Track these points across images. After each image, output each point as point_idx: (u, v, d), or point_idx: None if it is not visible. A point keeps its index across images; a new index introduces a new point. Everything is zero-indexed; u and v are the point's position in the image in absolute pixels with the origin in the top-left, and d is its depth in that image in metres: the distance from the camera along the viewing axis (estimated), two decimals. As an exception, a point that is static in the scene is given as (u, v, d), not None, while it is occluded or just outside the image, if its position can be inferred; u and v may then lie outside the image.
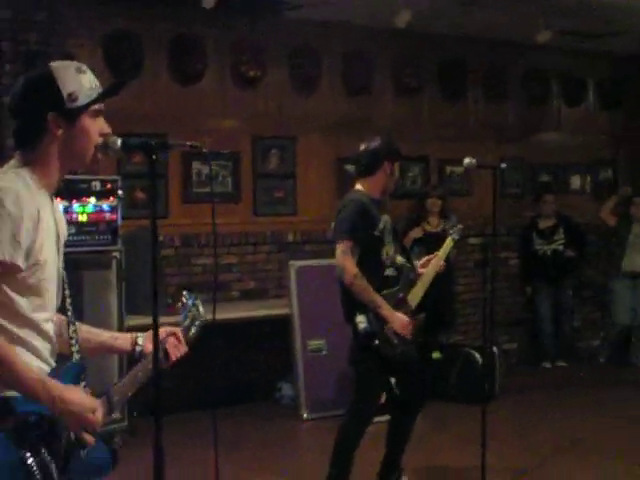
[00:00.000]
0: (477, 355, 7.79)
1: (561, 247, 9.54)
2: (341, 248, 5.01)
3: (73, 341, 2.74)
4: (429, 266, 5.36)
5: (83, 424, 2.52)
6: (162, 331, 2.86)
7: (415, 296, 5.27)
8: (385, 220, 5.19)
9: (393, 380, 5.39)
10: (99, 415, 2.56)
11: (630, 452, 6.42)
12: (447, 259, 5.57)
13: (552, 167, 10.41)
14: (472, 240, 9.28)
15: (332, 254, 8.36)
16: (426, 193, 8.70)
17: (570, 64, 10.37)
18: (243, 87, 8.28)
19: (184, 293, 3.23)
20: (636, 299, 9.64)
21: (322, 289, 7.52)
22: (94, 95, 2.59)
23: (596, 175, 10.81)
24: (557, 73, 10.32)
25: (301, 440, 7.32)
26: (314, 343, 7.55)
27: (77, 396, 2.51)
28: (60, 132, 2.55)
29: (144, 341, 2.92)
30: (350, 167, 7.97)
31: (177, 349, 2.96)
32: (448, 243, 5.48)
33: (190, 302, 3.18)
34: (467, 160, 5.10)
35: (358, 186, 5.28)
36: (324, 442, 6.75)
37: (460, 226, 5.64)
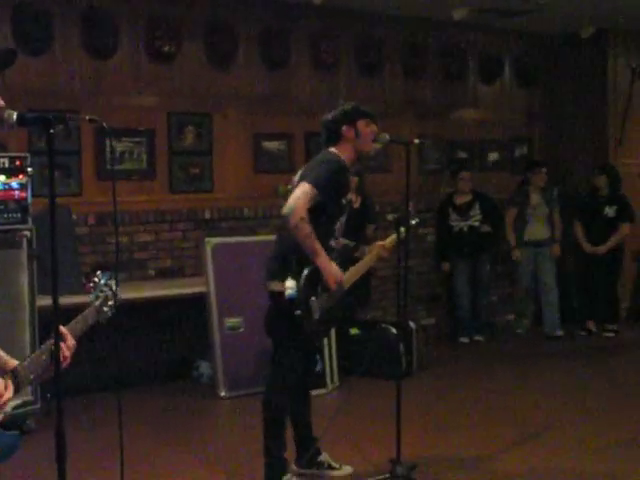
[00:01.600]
0: (394, 330, 7.82)
1: (477, 223, 9.66)
2: (302, 189, 4.80)
3: None
4: (372, 252, 5.34)
5: None
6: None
7: (351, 276, 5.22)
8: (351, 192, 5.10)
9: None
10: (8, 394, 2.48)
11: (546, 424, 6.53)
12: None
13: (469, 144, 10.50)
14: (389, 216, 9.30)
15: (250, 232, 8.45)
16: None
17: (486, 41, 10.46)
18: (158, 62, 8.15)
19: (97, 273, 3.15)
20: (537, 265, 9.94)
21: (239, 266, 7.50)
22: None
23: (512, 151, 10.94)
24: (474, 50, 10.39)
25: (219, 418, 7.28)
26: (231, 321, 7.51)
27: None
28: None
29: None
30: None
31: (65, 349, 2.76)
32: (395, 236, 5.35)
33: (102, 282, 3.10)
34: (380, 136, 5.10)
35: (335, 150, 5.08)
36: (243, 420, 6.80)
37: (416, 220, 5.50)
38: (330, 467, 5.44)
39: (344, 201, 5.05)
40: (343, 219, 5.13)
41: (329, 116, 5.15)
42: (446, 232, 9.77)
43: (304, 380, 5.36)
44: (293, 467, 5.37)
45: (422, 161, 9.97)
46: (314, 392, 5.43)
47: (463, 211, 9.70)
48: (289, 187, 5.14)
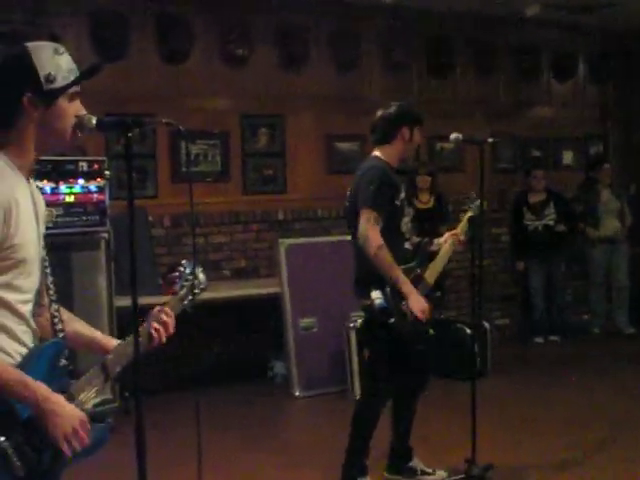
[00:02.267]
0: (468, 330, 7.77)
1: (552, 222, 9.55)
2: (365, 216, 4.81)
3: (56, 320, 2.70)
4: (447, 243, 5.30)
5: (69, 434, 2.47)
6: (156, 310, 2.84)
7: (433, 272, 5.17)
8: (403, 190, 5.08)
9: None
10: (85, 430, 2.52)
11: (623, 425, 6.44)
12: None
13: (543, 142, 10.39)
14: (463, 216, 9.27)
15: (323, 232, 8.48)
16: (415, 170, 8.68)
17: (560, 38, 10.33)
18: (231, 66, 8.24)
19: (182, 262, 3.16)
20: (611, 262, 9.83)
21: (312, 267, 7.54)
22: (72, 77, 2.55)
23: (587, 149, 10.80)
24: (547, 47, 10.28)
25: (293, 418, 7.33)
26: (305, 321, 7.56)
27: (66, 409, 2.48)
28: (36, 114, 2.51)
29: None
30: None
31: (163, 329, 2.85)
32: (465, 219, 5.37)
33: (188, 271, 3.11)
34: (453, 135, 5.08)
35: (376, 152, 5.10)
36: (317, 419, 6.83)
37: (477, 202, 5.45)
38: (423, 473, 5.35)
39: (398, 202, 5.00)
40: (407, 219, 5.11)
41: (388, 113, 5.11)
42: (520, 231, 9.68)
43: (412, 387, 5.31)
44: (385, 474, 5.34)
45: (495, 160, 9.90)
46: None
47: (537, 210, 9.60)
48: (346, 203, 5.14)
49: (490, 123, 9.71)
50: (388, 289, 4.85)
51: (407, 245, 5.10)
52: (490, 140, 5.39)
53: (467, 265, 5.48)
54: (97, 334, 2.86)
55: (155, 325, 2.82)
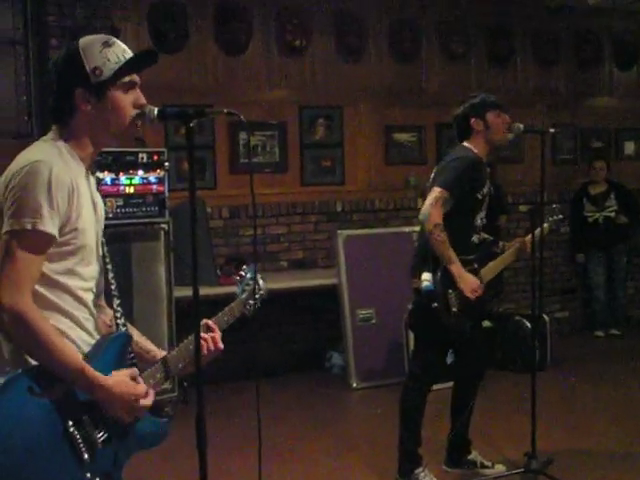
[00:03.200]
0: (527, 323, 7.71)
1: (613, 214, 9.41)
2: (434, 194, 4.81)
3: (118, 314, 2.73)
4: (512, 248, 5.24)
5: (131, 412, 2.53)
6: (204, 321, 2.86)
7: (490, 271, 5.11)
8: (488, 185, 5.04)
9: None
10: (149, 400, 2.56)
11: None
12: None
13: (604, 132, 10.24)
14: (522, 207, 9.20)
15: (381, 223, 8.46)
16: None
17: (622, 26, 10.17)
18: (289, 57, 8.25)
19: (243, 267, 3.21)
20: None
21: (370, 258, 7.53)
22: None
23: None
24: (608, 36, 10.12)
25: (351, 409, 7.33)
26: (363, 312, 7.55)
27: (123, 386, 2.51)
28: (89, 107, 2.55)
29: None
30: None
31: (211, 343, 2.89)
32: (539, 232, 5.24)
33: (249, 275, 3.16)
34: (514, 125, 5.02)
35: (468, 144, 5.05)
36: (374, 410, 6.82)
37: (558, 217, 5.42)
38: (483, 466, 5.30)
39: (480, 196, 4.97)
40: (483, 214, 5.06)
41: (458, 111, 5.11)
42: (581, 223, 9.55)
43: (469, 377, 5.27)
44: (443, 467, 5.31)
45: (555, 151, 9.79)
46: (437, 386, 5.36)
47: (598, 201, 9.47)
48: (427, 184, 5.11)
49: (550, 113, 9.60)
50: (439, 274, 4.83)
51: (475, 239, 5.06)
52: (552, 130, 5.32)
53: (526, 257, 5.41)
54: (150, 346, 2.87)
55: (204, 335, 2.84)
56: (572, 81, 9.94)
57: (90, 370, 2.44)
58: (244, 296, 3.11)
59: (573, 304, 10.01)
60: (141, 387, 2.56)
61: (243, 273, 3.16)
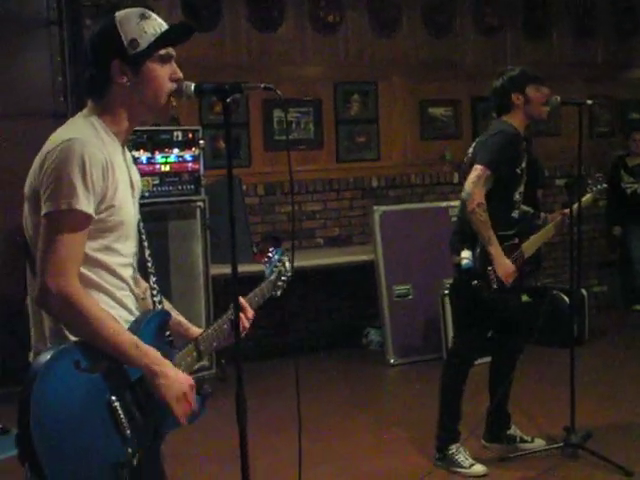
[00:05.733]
0: (565, 298, 7.66)
1: (652, 185, 9.31)
2: (476, 173, 4.79)
3: (154, 292, 2.74)
4: (554, 221, 5.20)
5: (180, 397, 2.52)
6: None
7: (532, 245, 5.08)
8: (526, 159, 5.01)
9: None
10: (192, 396, 2.56)
11: None
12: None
13: (643, 104, 10.11)
14: (558, 181, 9.12)
15: (417, 199, 8.44)
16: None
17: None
18: (322, 33, 8.21)
19: (270, 249, 3.23)
20: None
21: (407, 234, 7.51)
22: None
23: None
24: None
25: (389, 385, 7.34)
26: (400, 288, 7.53)
27: (177, 373, 2.52)
28: (125, 80, 2.53)
29: None
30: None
31: (245, 321, 2.88)
32: (587, 199, 5.25)
33: (276, 257, 3.19)
34: (551, 98, 4.96)
35: (507, 118, 5.01)
36: (412, 387, 6.83)
37: (603, 186, 5.35)
38: (522, 440, 5.29)
39: (519, 170, 4.94)
40: (521, 188, 5.03)
41: (497, 84, 5.05)
42: (619, 195, 9.44)
43: (507, 351, 5.25)
44: (482, 442, 5.31)
45: (593, 123, 9.68)
46: (479, 360, 5.34)
47: (636, 173, 9.36)
48: (465, 160, 5.08)
49: (587, 86, 9.47)
50: (478, 250, 4.82)
51: (515, 214, 5.03)
52: (589, 102, 5.24)
53: (564, 231, 5.36)
54: (182, 319, 2.88)
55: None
56: (609, 52, 9.82)
57: (143, 345, 2.45)
58: (273, 277, 3.13)
59: (611, 278, 9.92)
60: (188, 378, 2.57)
61: (271, 255, 3.18)
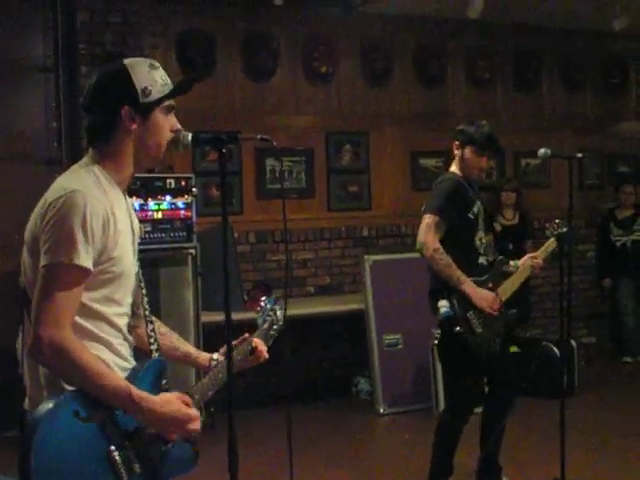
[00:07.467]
0: (555, 349, 7.67)
1: (641, 237, 9.36)
2: (425, 221, 4.87)
3: (152, 339, 2.75)
4: (524, 265, 5.23)
5: (182, 434, 2.54)
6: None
7: (506, 290, 5.11)
8: (479, 205, 5.06)
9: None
10: (198, 424, 2.57)
11: None
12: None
13: (631, 157, 10.19)
14: (548, 233, 9.14)
15: (408, 249, 8.45)
16: (500, 187, 8.64)
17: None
18: (315, 83, 8.30)
19: (262, 297, 3.26)
20: None
21: (397, 283, 7.51)
22: (166, 91, 2.60)
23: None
24: (635, 61, 10.10)
25: (378, 435, 7.30)
26: (390, 337, 7.53)
27: (174, 405, 2.53)
28: (134, 126, 2.56)
29: (219, 356, 2.96)
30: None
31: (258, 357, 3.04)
32: (549, 244, 5.32)
33: (269, 306, 3.21)
34: (541, 150, 4.99)
35: (453, 167, 5.15)
36: (402, 437, 6.79)
37: (564, 230, 5.37)
38: None
39: (471, 215, 4.98)
40: (481, 234, 5.06)
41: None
42: (608, 248, 9.49)
43: (499, 403, 5.21)
44: None
45: (582, 176, 9.75)
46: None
47: (626, 225, 9.42)
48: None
49: (577, 138, 9.56)
50: (455, 299, 4.83)
51: (483, 261, 5.07)
52: (579, 155, 5.29)
53: (554, 282, 5.39)
54: (191, 349, 2.92)
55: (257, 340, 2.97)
56: (599, 106, 9.93)
57: (137, 391, 2.45)
58: (265, 326, 3.16)
59: (600, 329, 9.93)
60: (193, 410, 2.58)
61: (263, 304, 3.21)
